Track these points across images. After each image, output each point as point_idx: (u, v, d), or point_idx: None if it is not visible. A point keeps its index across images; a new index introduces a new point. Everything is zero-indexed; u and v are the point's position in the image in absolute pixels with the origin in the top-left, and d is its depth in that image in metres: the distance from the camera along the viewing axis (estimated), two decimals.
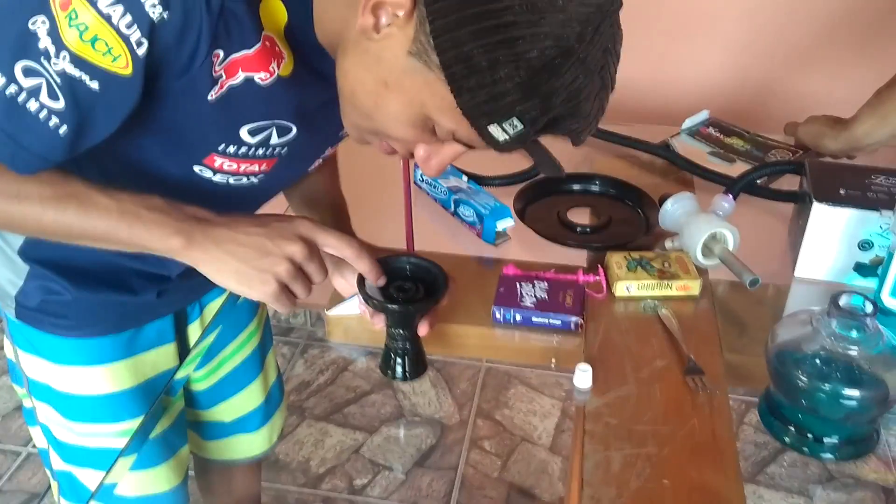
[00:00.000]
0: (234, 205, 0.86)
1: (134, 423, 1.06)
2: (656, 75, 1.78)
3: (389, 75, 0.71)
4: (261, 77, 0.76)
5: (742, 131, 1.50)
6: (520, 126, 0.69)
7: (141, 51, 0.69)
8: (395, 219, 1.20)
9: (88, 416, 1.05)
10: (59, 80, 0.69)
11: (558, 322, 1.05)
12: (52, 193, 0.76)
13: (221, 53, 0.73)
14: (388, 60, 0.70)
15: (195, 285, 1.03)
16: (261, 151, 0.84)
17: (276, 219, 0.82)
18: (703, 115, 1.54)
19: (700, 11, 1.70)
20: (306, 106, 0.83)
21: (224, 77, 0.75)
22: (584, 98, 0.70)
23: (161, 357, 1.08)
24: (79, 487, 1.10)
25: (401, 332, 0.91)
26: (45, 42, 0.68)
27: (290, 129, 0.84)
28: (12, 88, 0.69)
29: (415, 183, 1.35)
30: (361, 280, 0.90)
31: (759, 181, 1.31)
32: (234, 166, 0.84)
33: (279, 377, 1.34)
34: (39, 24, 0.68)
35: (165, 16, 0.68)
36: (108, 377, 1.03)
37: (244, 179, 0.87)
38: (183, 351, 1.11)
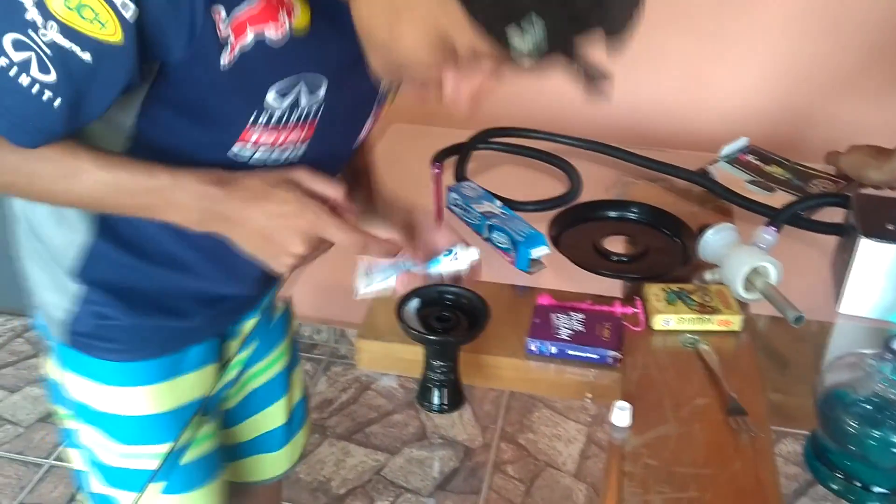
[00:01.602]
0: None
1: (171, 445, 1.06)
2: (693, 100, 1.75)
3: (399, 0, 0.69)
4: (271, 31, 0.73)
5: (782, 159, 1.47)
6: (541, 24, 0.64)
7: (128, 14, 0.67)
8: None
9: (132, 438, 1.03)
10: (49, 51, 0.68)
11: (595, 356, 1.02)
12: (62, 171, 0.77)
13: (223, 11, 0.70)
14: None
15: (241, 305, 1.04)
16: (295, 116, 0.81)
17: (285, 209, 0.80)
18: (742, 141, 1.51)
19: (739, 36, 1.67)
20: (332, 61, 0.80)
21: (233, 38, 0.72)
22: None
23: (204, 378, 1.07)
24: None
25: (440, 363, 0.89)
26: (31, 13, 0.67)
27: (321, 84, 0.81)
28: (2, 61, 0.68)
29: (447, 208, 1.33)
30: (399, 308, 0.88)
31: (802, 213, 1.28)
32: (272, 138, 0.82)
33: (304, 397, 1.32)
34: None
35: None
36: (152, 398, 1.02)
37: (287, 153, 0.85)
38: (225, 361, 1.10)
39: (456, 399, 0.92)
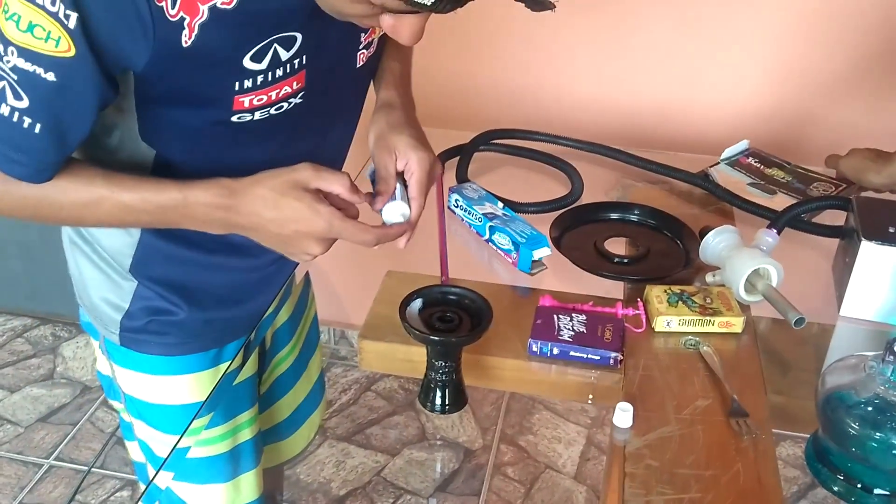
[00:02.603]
0: (303, 135, 0.88)
1: (223, 430, 1.08)
2: (694, 103, 1.75)
3: None
4: (223, 1, 0.73)
5: (783, 162, 1.47)
6: None
7: (72, 23, 0.68)
8: (429, 245, 1.19)
9: (179, 428, 1.04)
10: (15, 77, 0.70)
11: (597, 357, 1.02)
12: (83, 199, 0.80)
13: None
14: None
15: (284, 281, 1.08)
16: (280, 72, 0.81)
17: (296, 217, 0.81)
18: (742, 144, 1.51)
19: (740, 38, 1.68)
20: (296, 9, 0.79)
21: (188, 18, 0.72)
22: None
23: (244, 363, 1.08)
24: (176, 501, 1.11)
25: (442, 364, 0.89)
26: None
27: (294, 39, 0.81)
28: None
29: (449, 209, 1.33)
30: (402, 308, 0.88)
31: (803, 216, 1.28)
32: (264, 98, 0.82)
33: (321, 373, 1.33)
34: None
35: None
36: (197, 386, 1.04)
37: (286, 105, 0.85)
38: (262, 353, 1.12)
39: (458, 399, 0.92)
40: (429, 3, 0.66)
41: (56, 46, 0.69)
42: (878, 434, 0.84)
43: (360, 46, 0.92)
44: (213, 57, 0.76)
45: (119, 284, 0.96)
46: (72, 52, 0.69)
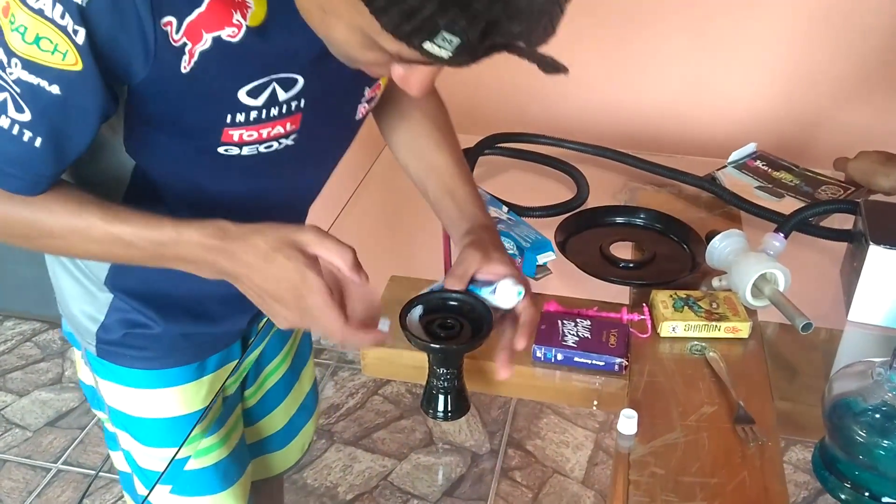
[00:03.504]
0: (285, 176, 0.85)
1: (209, 443, 1.06)
2: (701, 106, 1.74)
3: (325, 1, 0.67)
4: (229, 34, 0.72)
5: (791, 165, 1.46)
6: (455, 39, 0.63)
7: (80, 38, 0.67)
8: (433, 249, 1.18)
9: (164, 441, 1.04)
10: (18, 89, 0.69)
11: (602, 363, 1.01)
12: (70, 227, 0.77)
13: (174, 21, 0.70)
14: None
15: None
16: (275, 111, 0.80)
17: (282, 276, 0.78)
18: (750, 147, 1.50)
19: (747, 41, 1.66)
20: (301, 52, 0.78)
21: (190, 44, 0.71)
22: None
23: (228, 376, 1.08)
24: None
25: (444, 370, 0.88)
26: None
27: (295, 81, 0.80)
28: None
29: None
30: (403, 315, 0.87)
31: (811, 219, 1.27)
32: (255, 135, 0.81)
33: (314, 384, 1.32)
34: None
35: None
36: (181, 399, 1.03)
37: (276, 144, 0.83)
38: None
39: (461, 406, 0.91)
40: (446, 57, 0.65)
41: (63, 59, 0.68)
42: (885, 442, 0.83)
43: (363, 100, 0.92)
44: (210, 86, 0.75)
45: (95, 296, 0.95)
46: (79, 66, 0.69)
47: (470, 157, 1.46)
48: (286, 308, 0.80)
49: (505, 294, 0.87)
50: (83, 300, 0.96)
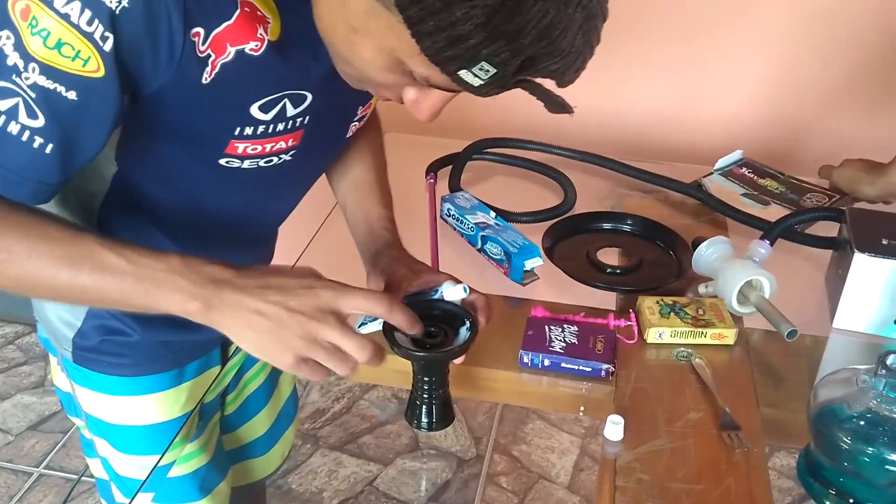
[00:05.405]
0: (275, 190, 0.85)
1: (188, 450, 1.06)
2: (688, 113, 1.75)
3: (356, 19, 0.66)
4: (252, 48, 0.73)
5: (776, 173, 1.47)
6: (492, 70, 0.63)
7: (107, 46, 0.66)
8: (421, 255, 1.18)
9: (142, 448, 1.03)
10: (34, 94, 0.67)
11: (588, 369, 1.01)
12: (63, 253, 0.72)
13: (202, 32, 0.69)
14: (352, 3, 0.66)
15: None
16: (281, 126, 0.80)
17: (298, 283, 0.75)
18: (736, 154, 1.51)
19: (734, 48, 1.68)
20: (312, 68, 0.79)
21: (213, 56, 0.71)
22: (560, 35, 0.63)
23: (208, 382, 1.07)
24: None
25: (427, 379, 0.88)
26: (13, 58, 0.66)
27: (305, 98, 0.80)
28: None
29: (441, 218, 1.32)
30: (386, 322, 0.87)
31: (796, 227, 1.28)
32: (259, 148, 0.81)
33: (294, 390, 1.31)
34: (4, 40, 0.66)
35: (126, 3, 0.65)
36: (159, 406, 1.02)
37: (275, 159, 0.84)
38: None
39: (445, 416, 0.90)
40: (476, 85, 0.65)
41: (84, 66, 0.66)
42: (870, 449, 0.83)
43: (356, 118, 0.92)
44: (225, 98, 0.75)
45: None
46: (101, 73, 0.67)
47: (458, 162, 1.46)
48: (290, 337, 0.74)
49: (453, 295, 0.89)
50: (60, 305, 0.95)
